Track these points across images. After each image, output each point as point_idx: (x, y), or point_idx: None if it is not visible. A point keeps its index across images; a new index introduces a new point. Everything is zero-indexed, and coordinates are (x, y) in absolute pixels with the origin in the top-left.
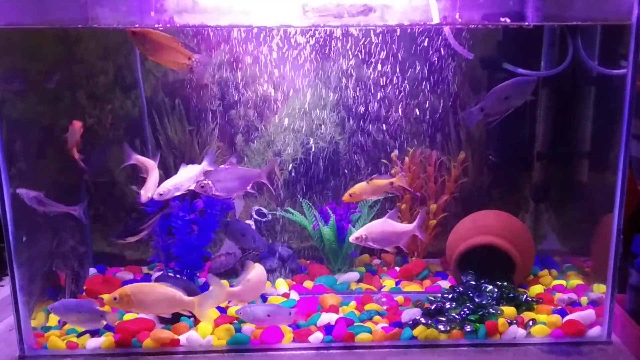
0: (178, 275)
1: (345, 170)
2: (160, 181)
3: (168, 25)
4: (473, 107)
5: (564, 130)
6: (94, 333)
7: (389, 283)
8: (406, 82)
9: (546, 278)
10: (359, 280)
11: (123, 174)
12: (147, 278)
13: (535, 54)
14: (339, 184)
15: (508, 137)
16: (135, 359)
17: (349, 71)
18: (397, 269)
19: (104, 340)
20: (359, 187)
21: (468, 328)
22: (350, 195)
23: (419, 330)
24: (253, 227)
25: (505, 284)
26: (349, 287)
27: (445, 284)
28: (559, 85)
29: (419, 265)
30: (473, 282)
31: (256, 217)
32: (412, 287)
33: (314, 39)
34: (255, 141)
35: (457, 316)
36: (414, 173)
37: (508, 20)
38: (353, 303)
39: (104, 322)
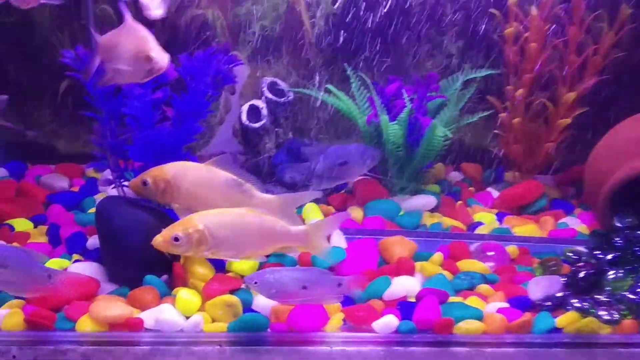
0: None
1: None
2: None
3: None
4: None
5: None
6: None
7: (485, 217)
8: None
9: None
10: (434, 210)
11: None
12: (92, 184)
13: None
14: (409, 50)
15: None
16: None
17: None
18: (492, 191)
19: (7, 316)
20: None
21: None
22: None
23: (567, 318)
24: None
25: None
26: (420, 221)
27: (574, 224)
28: None
29: (533, 188)
30: None
31: (269, 95)
32: (526, 227)
33: None
34: None
35: (630, 295)
36: (541, 34)
37: None
38: (437, 255)
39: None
